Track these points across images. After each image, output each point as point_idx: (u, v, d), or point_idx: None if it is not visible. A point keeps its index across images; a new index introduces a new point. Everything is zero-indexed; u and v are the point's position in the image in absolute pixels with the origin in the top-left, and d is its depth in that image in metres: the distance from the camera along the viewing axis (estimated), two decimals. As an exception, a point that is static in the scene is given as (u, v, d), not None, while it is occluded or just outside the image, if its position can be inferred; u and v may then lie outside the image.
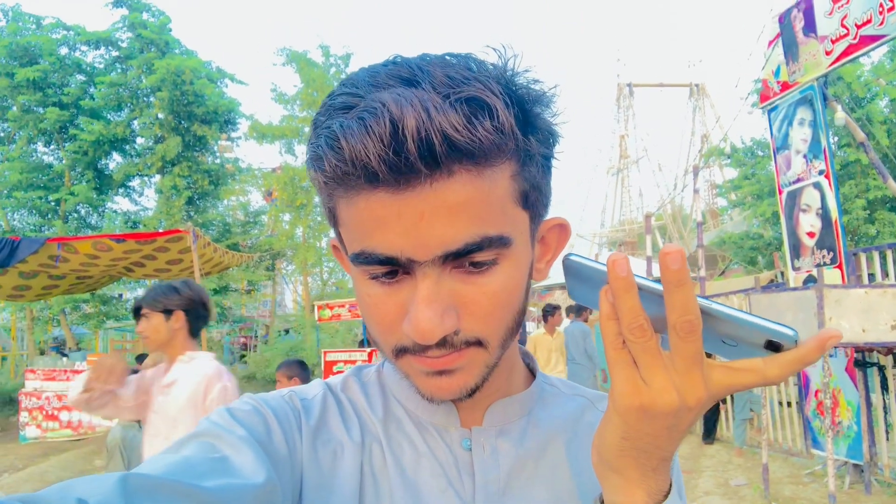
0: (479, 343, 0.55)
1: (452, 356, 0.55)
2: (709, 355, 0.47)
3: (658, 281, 0.45)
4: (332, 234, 0.66)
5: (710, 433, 8.09)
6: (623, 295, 0.43)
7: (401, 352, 0.56)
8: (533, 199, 0.57)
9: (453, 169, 0.49)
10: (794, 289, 5.86)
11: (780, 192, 7.31)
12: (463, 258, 0.52)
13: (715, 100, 45.96)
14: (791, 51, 7.09)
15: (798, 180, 6.98)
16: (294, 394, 0.67)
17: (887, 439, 5.81)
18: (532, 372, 0.74)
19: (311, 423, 0.64)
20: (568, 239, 0.66)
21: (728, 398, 7.69)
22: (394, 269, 0.53)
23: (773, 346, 0.43)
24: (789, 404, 7.26)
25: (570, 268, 0.49)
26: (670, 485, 0.52)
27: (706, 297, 0.45)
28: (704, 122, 44.56)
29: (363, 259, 0.53)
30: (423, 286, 0.52)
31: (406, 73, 0.51)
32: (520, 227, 0.56)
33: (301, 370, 3.95)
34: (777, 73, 7.42)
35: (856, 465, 5.86)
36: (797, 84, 7.00)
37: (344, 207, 0.53)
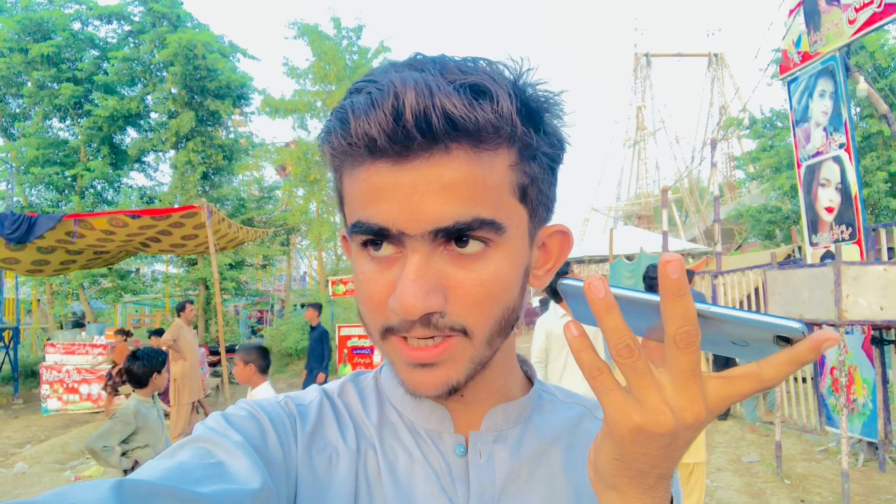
0: (464, 332, 0.55)
1: (436, 348, 0.55)
2: (726, 362, 0.45)
3: (645, 291, 0.44)
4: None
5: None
6: (605, 316, 0.43)
7: (387, 332, 0.56)
8: (532, 196, 0.57)
9: (451, 146, 0.51)
10: (811, 265, 5.78)
11: (799, 167, 7.18)
12: (453, 238, 0.53)
13: (734, 70, 45.12)
14: (813, 20, 6.91)
15: (817, 154, 6.85)
16: (290, 399, 0.67)
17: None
18: (530, 379, 0.72)
19: (306, 430, 0.64)
20: (570, 248, 0.65)
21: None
22: (385, 242, 0.54)
23: (785, 340, 0.42)
24: (804, 380, 7.22)
25: (565, 292, 0.48)
26: (671, 501, 0.51)
27: (704, 302, 0.43)
28: (723, 93, 43.80)
29: (358, 229, 0.54)
30: (412, 261, 0.52)
31: (419, 64, 0.54)
32: (515, 221, 0.56)
33: (259, 356, 3.96)
34: (798, 43, 7.24)
35: (870, 443, 5.84)
36: (818, 54, 6.83)
37: (347, 181, 0.56)
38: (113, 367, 8.65)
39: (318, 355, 7.77)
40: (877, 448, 5.73)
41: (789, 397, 7.32)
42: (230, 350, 10.11)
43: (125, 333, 8.97)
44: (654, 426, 0.43)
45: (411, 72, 0.52)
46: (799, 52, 7.18)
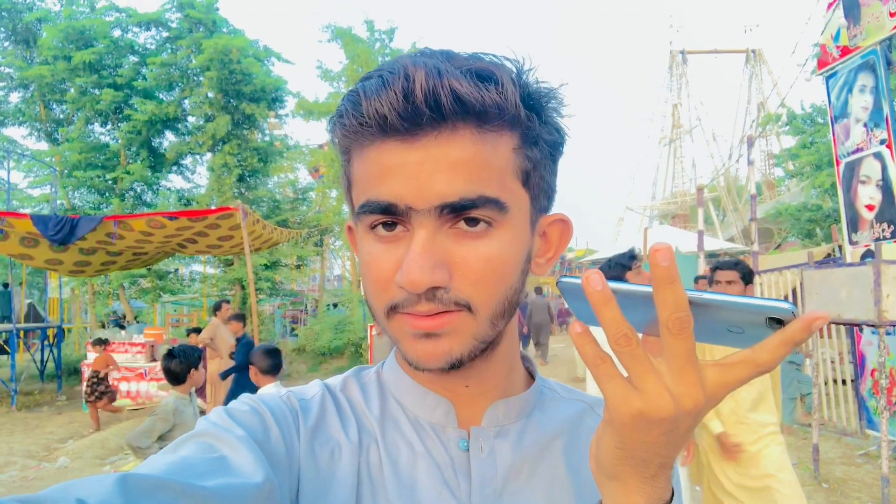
0: (468, 308, 0.56)
1: (440, 318, 0.56)
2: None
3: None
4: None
5: (759, 411, 7.93)
6: (602, 308, 0.44)
7: (392, 310, 0.57)
8: (535, 181, 0.60)
9: (457, 126, 0.53)
10: (850, 264, 5.64)
11: (838, 164, 7.00)
12: (458, 215, 0.55)
13: (772, 66, 44.09)
14: (852, 13, 6.73)
15: (857, 150, 6.67)
16: (292, 394, 0.68)
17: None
18: (531, 375, 0.73)
19: (308, 424, 0.64)
20: (570, 237, 0.66)
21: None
22: (393, 220, 0.56)
23: (777, 323, 0.42)
24: (844, 382, 7.03)
25: (564, 290, 0.49)
26: (672, 493, 0.51)
27: (695, 291, 0.44)
28: (761, 89, 42.88)
29: (367, 208, 0.56)
30: (418, 236, 0.54)
31: (428, 54, 0.57)
32: (518, 203, 0.58)
33: (261, 357, 3.79)
34: (837, 37, 7.07)
35: (913, 447, 5.65)
36: (858, 48, 6.65)
37: (357, 163, 0.58)
38: (94, 377, 8.71)
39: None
40: (920, 452, 5.56)
41: (828, 399, 7.13)
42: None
43: (103, 343, 9.13)
44: (654, 411, 0.44)
45: (423, 58, 0.55)
46: (838, 47, 7.01)
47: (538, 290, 14.13)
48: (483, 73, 0.54)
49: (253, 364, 3.89)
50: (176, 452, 0.54)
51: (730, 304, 0.43)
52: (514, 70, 0.57)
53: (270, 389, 3.85)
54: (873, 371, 5.75)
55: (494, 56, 0.58)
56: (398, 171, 0.54)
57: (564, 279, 0.49)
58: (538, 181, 0.60)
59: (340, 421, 0.66)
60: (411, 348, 0.58)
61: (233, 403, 0.63)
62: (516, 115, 0.56)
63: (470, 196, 0.54)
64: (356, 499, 0.61)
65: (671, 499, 0.51)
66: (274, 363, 3.91)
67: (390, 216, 0.56)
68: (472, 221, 0.55)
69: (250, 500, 0.50)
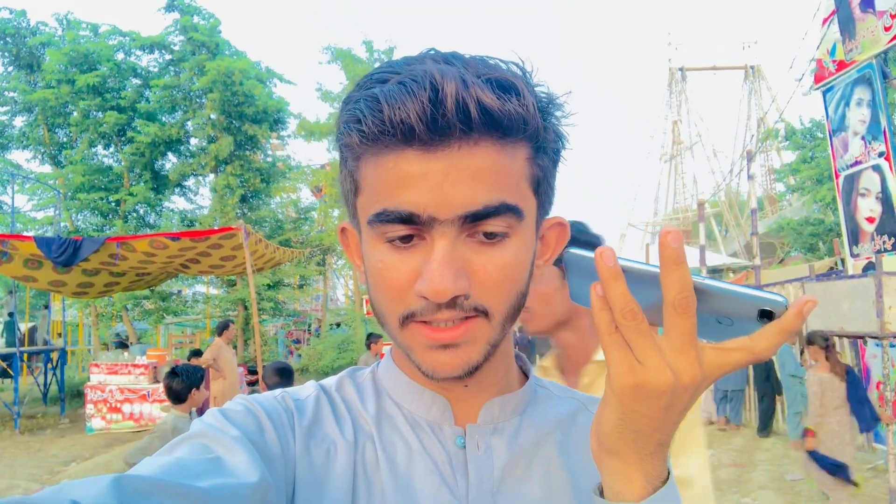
0: (485, 313, 0.57)
1: (459, 329, 0.56)
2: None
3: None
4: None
5: (765, 426, 7.87)
6: (612, 283, 0.45)
7: (407, 319, 0.57)
8: (543, 189, 0.61)
9: (481, 138, 0.53)
10: (851, 276, 5.64)
11: (837, 177, 7.03)
12: (479, 225, 0.55)
13: (771, 82, 44.37)
14: (847, 28, 6.79)
15: (856, 163, 6.70)
16: (287, 394, 0.68)
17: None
18: (525, 374, 0.74)
19: (303, 424, 0.64)
20: (566, 240, 0.68)
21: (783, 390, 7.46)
22: (410, 232, 0.55)
23: (767, 315, 0.44)
24: (849, 396, 6.99)
25: (570, 262, 0.50)
26: (668, 473, 0.52)
27: (699, 276, 0.46)
28: (761, 105, 43.08)
29: (384, 217, 0.55)
30: (440, 245, 0.54)
31: (441, 58, 0.56)
32: (530, 209, 0.59)
33: (270, 374, 3.94)
34: (833, 51, 7.12)
35: (920, 460, 5.61)
36: (854, 63, 6.71)
37: (369, 169, 0.57)
38: None
39: None
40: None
41: (834, 413, 7.09)
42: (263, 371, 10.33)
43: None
44: (654, 384, 0.46)
45: (440, 64, 0.54)
46: (834, 61, 7.06)
47: None
48: (504, 83, 0.54)
49: (265, 381, 3.91)
50: (171, 454, 0.53)
51: (729, 292, 0.45)
52: (523, 75, 0.57)
53: None
54: (878, 384, 5.72)
55: (500, 60, 0.58)
56: (419, 181, 0.53)
57: (573, 251, 0.50)
58: (545, 188, 0.62)
59: (336, 420, 0.66)
60: (427, 359, 0.58)
61: (227, 404, 0.63)
62: (535, 126, 0.56)
63: (493, 204, 0.54)
64: (352, 497, 0.61)
65: (667, 479, 0.52)
66: (285, 382, 3.92)
67: (409, 226, 0.55)
68: (491, 235, 0.56)
69: (245, 500, 0.50)
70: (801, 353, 7.22)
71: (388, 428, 0.66)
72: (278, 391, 0.69)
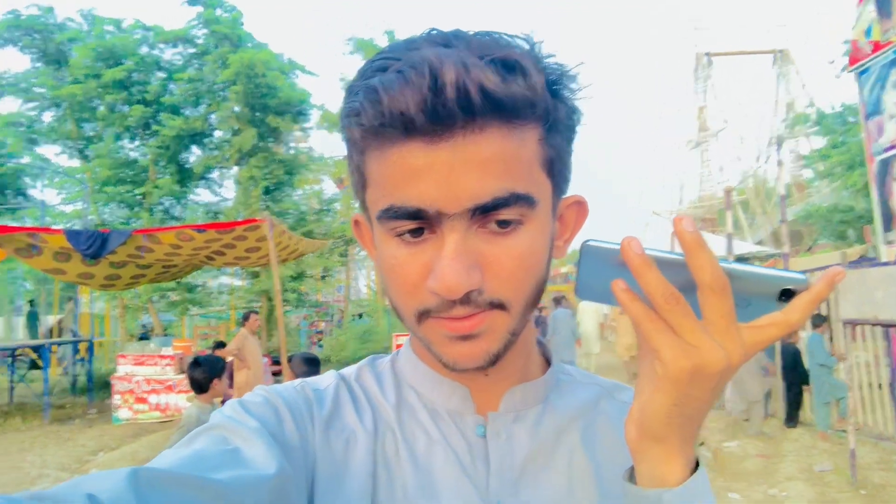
0: (501, 306, 0.55)
1: (475, 318, 0.55)
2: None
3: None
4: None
5: (792, 416, 7.72)
6: (646, 271, 0.44)
7: (423, 315, 0.56)
8: (557, 169, 0.59)
9: (486, 124, 0.51)
10: (885, 264, 5.49)
11: (871, 161, 6.85)
12: (490, 215, 0.53)
13: (800, 66, 43.49)
14: (884, 7, 6.59)
15: (891, 147, 6.51)
16: (306, 384, 0.68)
17: None
18: (547, 360, 0.72)
19: (323, 413, 0.64)
20: (586, 218, 0.66)
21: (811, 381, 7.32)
22: (420, 226, 0.54)
23: (787, 294, 0.45)
24: (880, 386, 6.85)
25: (587, 253, 0.48)
26: (696, 456, 0.52)
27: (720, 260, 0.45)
28: (789, 89, 42.23)
29: (392, 213, 0.54)
30: (450, 240, 0.52)
31: (441, 40, 0.53)
32: (544, 194, 0.57)
33: (298, 363, 4.00)
34: (868, 32, 6.92)
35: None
36: (891, 43, 6.51)
37: (375, 163, 0.55)
38: None
39: None
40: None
41: (864, 404, 6.95)
42: (290, 360, 10.43)
43: None
44: (711, 365, 0.45)
45: (438, 48, 0.51)
46: (870, 42, 6.86)
47: (558, 301, 11.25)
48: (508, 62, 0.51)
49: (293, 370, 3.95)
50: (189, 446, 0.53)
51: (752, 274, 0.45)
52: (531, 50, 0.54)
53: None
54: (913, 374, 5.58)
55: (507, 35, 0.55)
56: (425, 174, 0.51)
57: (593, 241, 0.48)
58: (560, 168, 0.59)
59: (355, 409, 0.66)
60: (448, 351, 0.57)
61: (246, 395, 0.63)
62: (544, 106, 0.54)
63: (502, 195, 0.52)
64: (373, 487, 0.61)
65: (697, 461, 0.51)
66: (311, 371, 3.97)
67: (417, 221, 0.53)
68: (504, 223, 0.54)
69: (264, 491, 0.50)
70: (831, 340, 7.07)
71: (407, 417, 0.65)
72: (298, 381, 0.69)
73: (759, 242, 27.79)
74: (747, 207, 36.55)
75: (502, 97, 0.50)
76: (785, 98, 42.09)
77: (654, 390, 0.48)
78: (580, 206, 0.65)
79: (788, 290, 0.45)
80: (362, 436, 0.63)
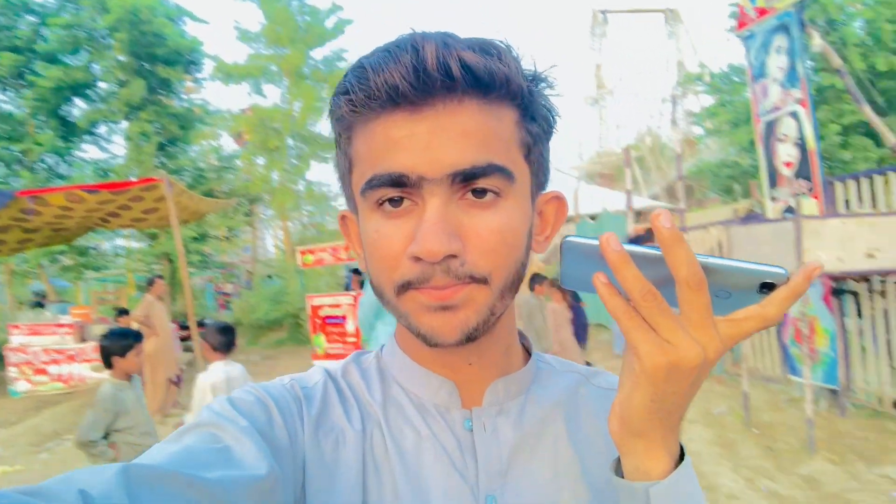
0: (482, 280, 0.57)
1: (455, 288, 0.56)
2: None
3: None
4: (339, 205, 0.67)
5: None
6: (623, 267, 0.46)
7: (403, 287, 0.57)
8: (535, 156, 0.61)
9: (465, 97, 0.54)
10: (773, 220, 5.94)
11: (757, 122, 7.30)
12: (469, 184, 0.55)
13: (691, 26, 45.24)
14: (770, -25, 6.94)
15: (775, 109, 6.96)
16: (295, 382, 0.68)
17: (862, 364, 6.02)
18: (528, 351, 0.74)
19: (312, 413, 0.64)
20: (566, 214, 0.68)
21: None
22: (401, 194, 0.56)
23: (767, 287, 0.46)
24: (768, 332, 7.45)
25: (568, 248, 0.50)
26: (681, 445, 0.54)
27: (699, 255, 0.46)
28: (680, 48, 43.95)
29: (375, 182, 0.56)
30: (431, 205, 0.55)
31: (427, 32, 0.57)
32: (522, 175, 0.59)
33: (212, 333, 3.81)
34: (754, -1, 7.28)
35: (832, 391, 6.07)
36: (774, 10, 6.89)
37: (360, 141, 0.58)
38: None
39: None
40: (837, 395, 5.99)
41: (754, 349, 7.54)
42: (200, 325, 10.07)
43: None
44: (687, 361, 0.46)
45: (422, 33, 0.56)
46: (756, 8, 7.23)
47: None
48: (485, 45, 0.55)
49: (205, 340, 3.79)
50: (179, 442, 0.54)
51: (733, 268, 0.46)
52: (509, 47, 0.58)
53: (219, 367, 3.75)
54: (795, 320, 6.12)
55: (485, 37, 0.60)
56: (407, 142, 0.54)
57: (572, 238, 0.49)
58: (538, 157, 0.62)
59: (343, 408, 0.66)
60: (426, 321, 0.57)
61: (236, 393, 0.63)
62: (519, 86, 0.57)
63: (480, 164, 0.54)
64: (363, 486, 0.61)
65: (683, 452, 0.54)
66: (226, 340, 3.82)
67: (399, 189, 0.55)
68: (481, 192, 0.56)
69: (254, 491, 0.50)
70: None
71: (395, 414, 0.66)
72: (287, 378, 0.69)
73: (654, 197, 29.18)
74: (643, 163, 38.17)
75: (481, 71, 0.54)
76: (676, 57, 43.81)
77: (633, 386, 0.50)
78: (559, 201, 0.67)
79: (769, 283, 0.45)
80: (351, 435, 0.64)
